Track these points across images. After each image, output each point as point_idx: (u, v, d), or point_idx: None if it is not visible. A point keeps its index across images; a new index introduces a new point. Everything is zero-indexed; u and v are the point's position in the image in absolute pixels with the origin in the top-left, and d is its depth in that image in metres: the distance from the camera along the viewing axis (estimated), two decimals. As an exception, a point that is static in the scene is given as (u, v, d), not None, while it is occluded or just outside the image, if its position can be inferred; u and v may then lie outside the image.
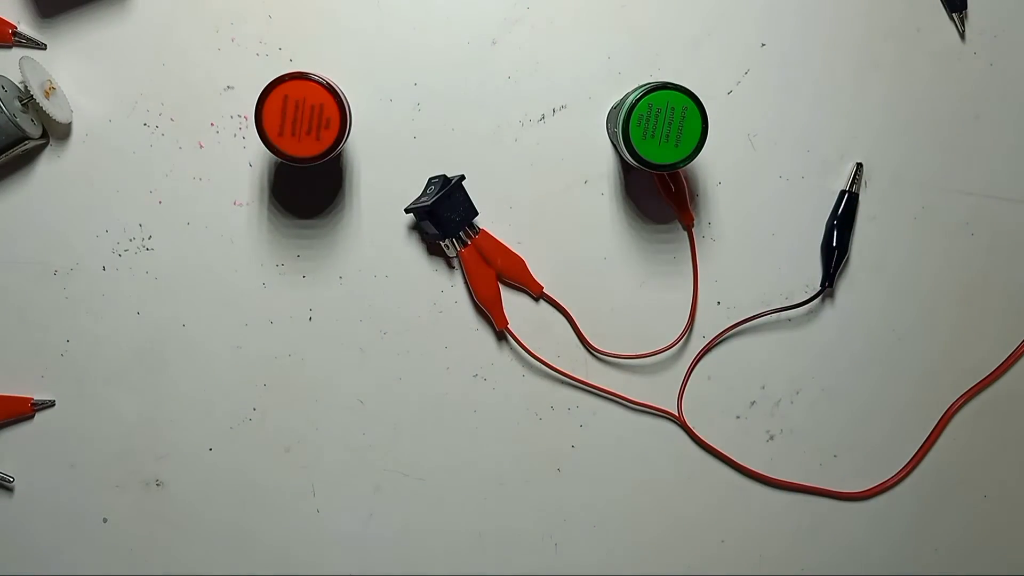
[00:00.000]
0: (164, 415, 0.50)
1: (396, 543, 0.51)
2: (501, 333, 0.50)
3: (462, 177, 0.47)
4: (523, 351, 0.50)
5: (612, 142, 0.48)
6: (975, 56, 0.50)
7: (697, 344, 0.51)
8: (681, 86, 0.43)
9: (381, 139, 0.48)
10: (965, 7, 0.49)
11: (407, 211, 0.48)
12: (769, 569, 0.52)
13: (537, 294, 0.50)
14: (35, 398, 0.49)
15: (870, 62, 0.50)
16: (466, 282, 0.49)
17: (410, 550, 0.51)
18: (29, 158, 0.48)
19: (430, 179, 0.48)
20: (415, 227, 0.49)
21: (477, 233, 0.49)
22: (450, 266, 0.49)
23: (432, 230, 0.48)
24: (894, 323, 0.51)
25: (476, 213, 0.48)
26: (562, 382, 0.50)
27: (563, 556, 0.51)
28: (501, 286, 0.50)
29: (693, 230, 0.50)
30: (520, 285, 0.50)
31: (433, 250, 0.49)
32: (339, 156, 0.48)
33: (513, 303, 0.50)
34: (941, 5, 0.49)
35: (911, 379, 0.52)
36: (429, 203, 0.47)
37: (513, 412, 0.51)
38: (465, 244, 0.48)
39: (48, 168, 0.48)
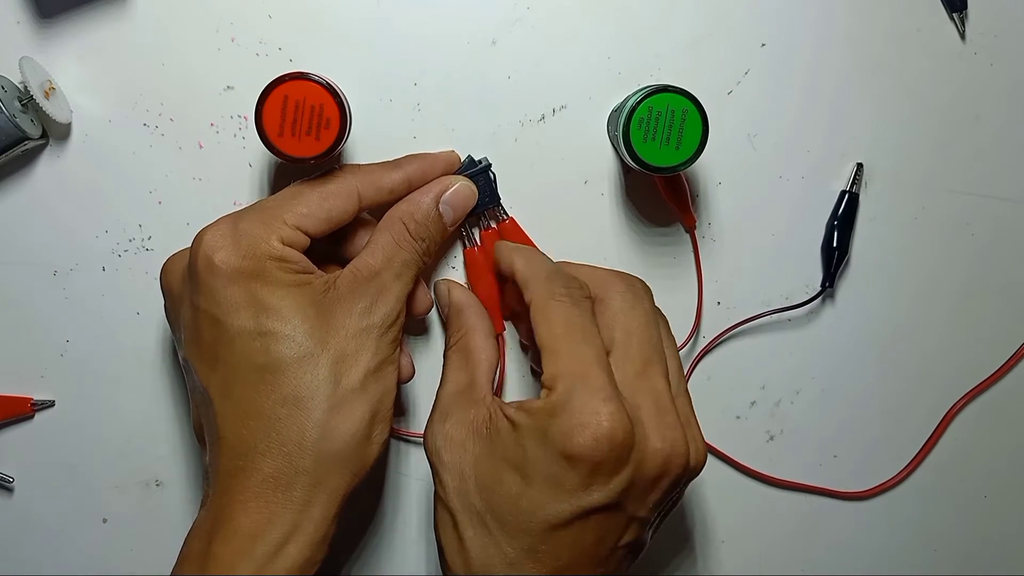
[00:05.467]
0: (164, 415, 0.50)
1: (396, 543, 0.51)
2: (499, 334, 0.50)
3: (489, 164, 0.48)
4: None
5: (613, 145, 0.48)
6: (975, 56, 0.50)
7: (697, 344, 0.51)
8: (681, 88, 0.43)
9: (381, 139, 0.48)
10: (965, 7, 0.49)
11: None
12: (769, 569, 0.53)
13: None
14: (35, 398, 0.49)
15: (870, 62, 0.50)
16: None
17: (410, 550, 0.51)
18: (29, 158, 0.48)
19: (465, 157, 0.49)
20: None
21: (504, 220, 0.49)
22: (464, 244, 0.49)
23: None
24: (894, 323, 0.51)
25: (498, 200, 0.48)
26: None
27: (563, 556, 0.51)
28: None
29: (695, 232, 0.50)
30: None
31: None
32: (339, 156, 0.48)
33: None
34: (941, 5, 0.49)
35: (911, 379, 0.52)
36: None
37: (513, 412, 0.51)
38: (488, 228, 0.48)
39: (48, 168, 0.48)
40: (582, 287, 0.42)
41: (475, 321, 0.45)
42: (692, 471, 0.40)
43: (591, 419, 0.37)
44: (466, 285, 0.49)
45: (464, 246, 0.49)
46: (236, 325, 0.39)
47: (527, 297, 0.42)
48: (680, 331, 0.50)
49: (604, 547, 0.39)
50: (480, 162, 0.48)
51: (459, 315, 0.46)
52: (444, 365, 0.45)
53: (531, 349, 0.45)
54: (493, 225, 0.49)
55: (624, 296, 0.42)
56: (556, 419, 0.38)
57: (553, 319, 0.41)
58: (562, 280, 0.42)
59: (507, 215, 0.49)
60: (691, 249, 0.50)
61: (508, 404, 0.41)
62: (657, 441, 0.39)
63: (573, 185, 0.49)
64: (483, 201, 0.48)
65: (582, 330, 0.40)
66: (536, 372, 0.45)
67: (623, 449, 0.37)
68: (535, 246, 0.49)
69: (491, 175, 0.48)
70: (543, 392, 0.39)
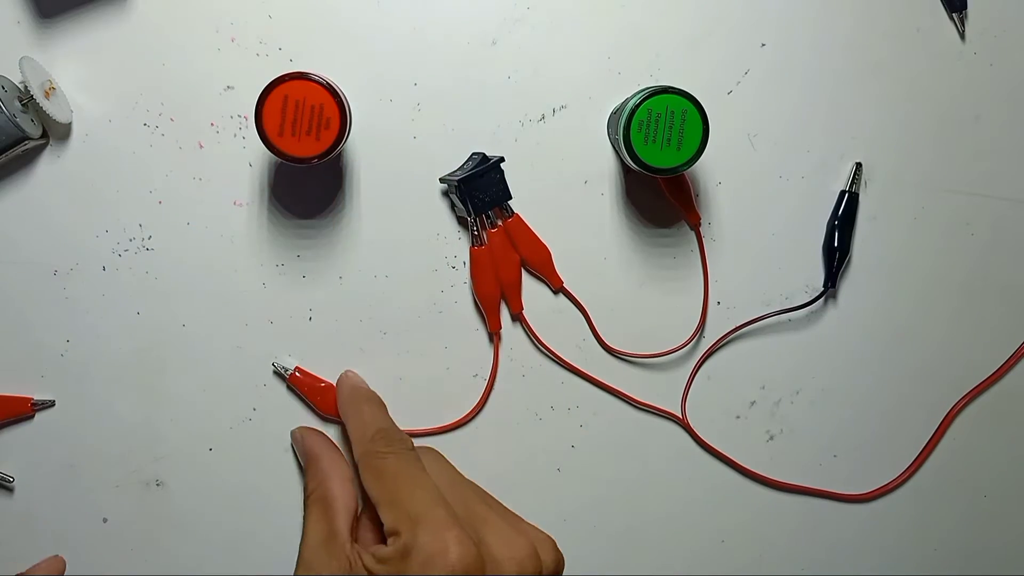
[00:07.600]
0: (164, 415, 0.50)
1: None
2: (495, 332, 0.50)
3: (501, 159, 0.48)
4: (531, 341, 0.50)
5: (614, 148, 0.48)
6: (975, 56, 0.50)
7: (700, 344, 0.51)
8: (680, 89, 0.43)
9: (381, 139, 0.48)
10: (965, 7, 0.49)
11: (441, 180, 0.48)
12: (769, 569, 0.53)
13: (557, 288, 0.50)
14: (35, 398, 0.49)
15: (870, 62, 0.50)
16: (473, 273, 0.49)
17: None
18: (29, 158, 0.48)
19: (472, 154, 0.48)
20: (445, 194, 0.49)
21: (510, 216, 0.49)
22: (476, 241, 0.49)
23: (459, 204, 0.48)
24: (894, 323, 0.51)
25: (509, 197, 0.48)
26: (562, 383, 0.50)
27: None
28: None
29: (700, 229, 0.50)
30: (541, 276, 0.50)
31: (462, 223, 0.49)
32: (339, 156, 0.48)
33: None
34: (941, 5, 0.49)
35: (911, 379, 0.52)
36: (459, 177, 0.47)
37: (513, 412, 0.51)
38: (495, 225, 0.48)
39: (48, 168, 0.48)
40: (404, 440, 0.44)
41: (330, 468, 0.45)
42: (551, 568, 0.42)
43: (440, 548, 0.38)
44: (469, 283, 0.49)
45: (472, 244, 0.49)
46: None
47: (355, 455, 0.44)
48: (683, 330, 0.50)
49: None
50: (491, 159, 0.48)
51: (315, 463, 0.46)
52: (304, 516, 0.45)
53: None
54: (499, 223, 0.49)
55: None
56: (408, 559, 0.39)
57: (383, 473, 0.42)
58: (384, 439, 0.44)
59: (512, 211, 0.49)
60: (691, 249, 0.50)
61: (366, 551, 0.41)
62: (504, 550, 0.40)
63: (573, 185, 0.49)
64: (493, 197, 0.48)
65: (411, 476, 0.42)
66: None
67: (476, 569, 0.39)
68: (541, 242, 0.49)
69: (501, 170, 0.48)
70: (390, 540, 0.40)
